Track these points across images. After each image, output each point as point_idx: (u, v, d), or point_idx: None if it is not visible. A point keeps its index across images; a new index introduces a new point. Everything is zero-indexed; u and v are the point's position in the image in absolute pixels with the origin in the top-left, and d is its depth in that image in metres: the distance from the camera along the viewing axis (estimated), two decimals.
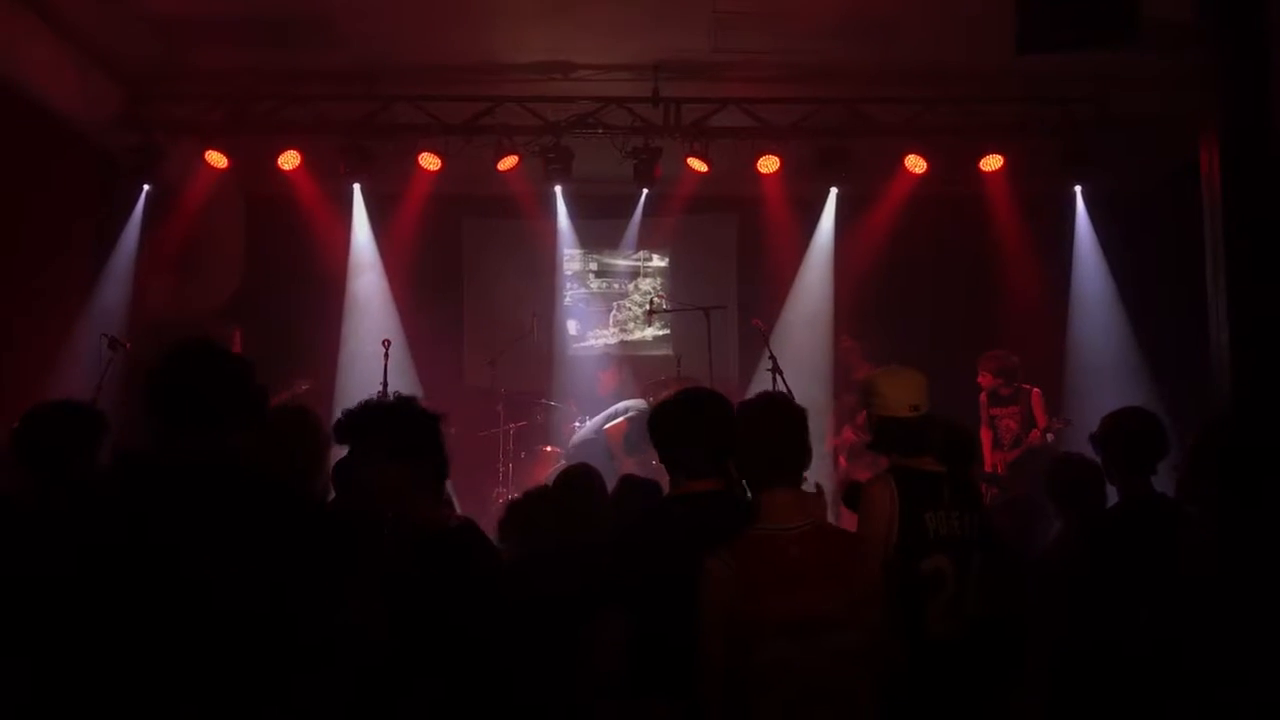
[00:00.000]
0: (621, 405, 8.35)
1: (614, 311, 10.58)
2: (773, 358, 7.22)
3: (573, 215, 9.94)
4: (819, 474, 6.62)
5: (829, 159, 8.44)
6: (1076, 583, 3.38)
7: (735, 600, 2.68)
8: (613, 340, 10.47)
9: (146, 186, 8.64)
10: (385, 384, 7.01)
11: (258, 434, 2.57)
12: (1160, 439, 3.54)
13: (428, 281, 9.85)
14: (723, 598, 2.69)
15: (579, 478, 4.19)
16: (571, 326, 10.45)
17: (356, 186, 9.22)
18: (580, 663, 2.96)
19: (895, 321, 9.13)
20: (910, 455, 3.27)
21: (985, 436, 7.82)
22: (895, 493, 3.14)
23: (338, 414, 2.86)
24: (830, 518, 4.33)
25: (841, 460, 8.63)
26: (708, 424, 3.00)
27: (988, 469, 7.61)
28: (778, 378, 7.08)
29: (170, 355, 2.52)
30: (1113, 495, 3.71)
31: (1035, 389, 7.80)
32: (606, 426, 8.17)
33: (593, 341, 10.42)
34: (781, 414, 2.95)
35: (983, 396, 7.91)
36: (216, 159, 8.49)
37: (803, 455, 2.91)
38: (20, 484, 3.32)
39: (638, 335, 10.46)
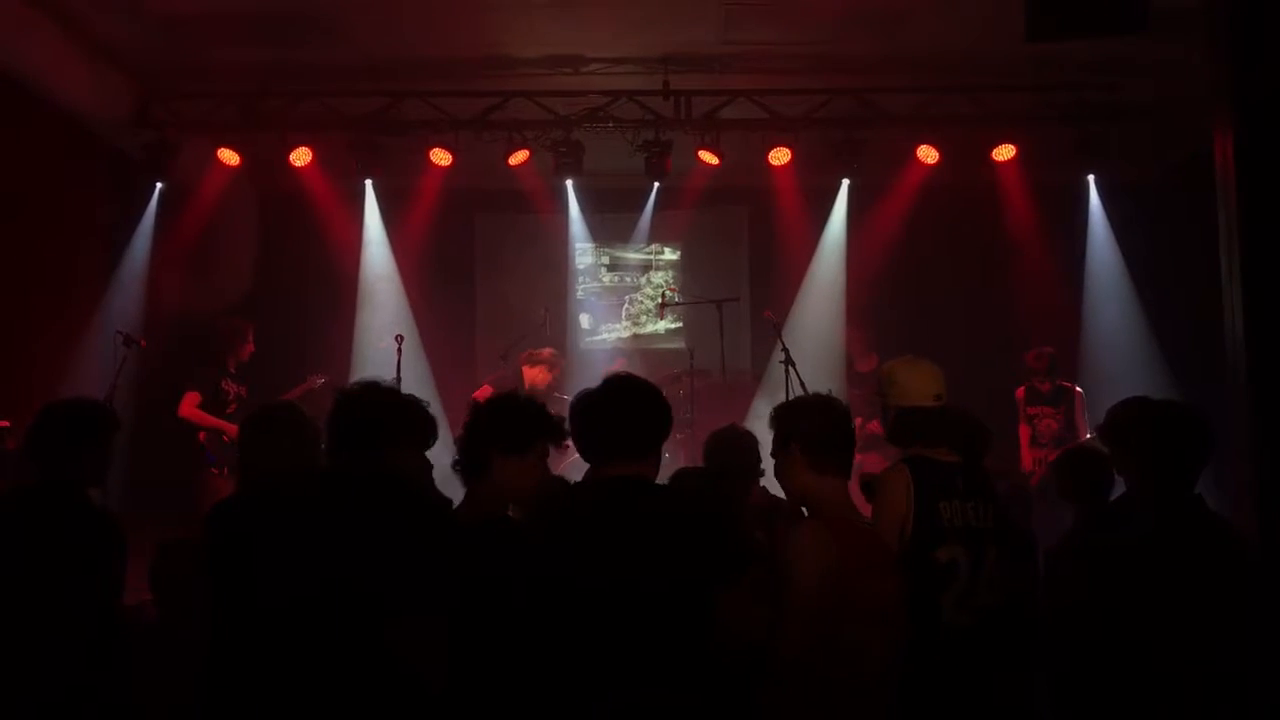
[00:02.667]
0: None
1: (626, 305, 10.58)
2: (785, 350, 7.22)
3: (584, 209, 9.95)
4: None
5: (840, 150, 8.42)
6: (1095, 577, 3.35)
7: (827, 575, 2.67)
8: (625, 334, 10.47)
9: (159, 184, 8.70)
10: (399, 379, 7.02)
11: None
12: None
13: (440, 276, 9.88)
14: (822, 565, 2.68)
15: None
16: (583, 320, 10.46)
17: (368, 182, 9.27)
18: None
19: (908, 312, 9.10)
20: (928, 445, 3.26)
21: (1024, 433, 7.76)
22: (911, 482, 3.14)
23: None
24: None
25: (856, 455, 8.58)
26: (633, 407, 2.95)
27: (1026, 467, 7.55)
28: (790, 370, 7.07)
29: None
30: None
31: (1079, 390, 7.69)
32: None
33: (605, 335, 10.43)
34: (834, 407, 3.03)
35: (1020, 393, 7.83)
36: (229, 156, 8.54)
37: (852, 445, 3.02)
38: (33, 480, 3.35)
39: (650, 329, 10.46)
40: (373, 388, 2.99)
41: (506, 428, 2.97)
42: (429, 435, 3.05)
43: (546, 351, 8.17)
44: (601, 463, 2.89)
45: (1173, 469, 3.15)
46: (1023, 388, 7.82)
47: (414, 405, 3.02)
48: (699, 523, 2.79)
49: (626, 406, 2.92)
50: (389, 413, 2.92)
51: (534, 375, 7.95)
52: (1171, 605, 2.95)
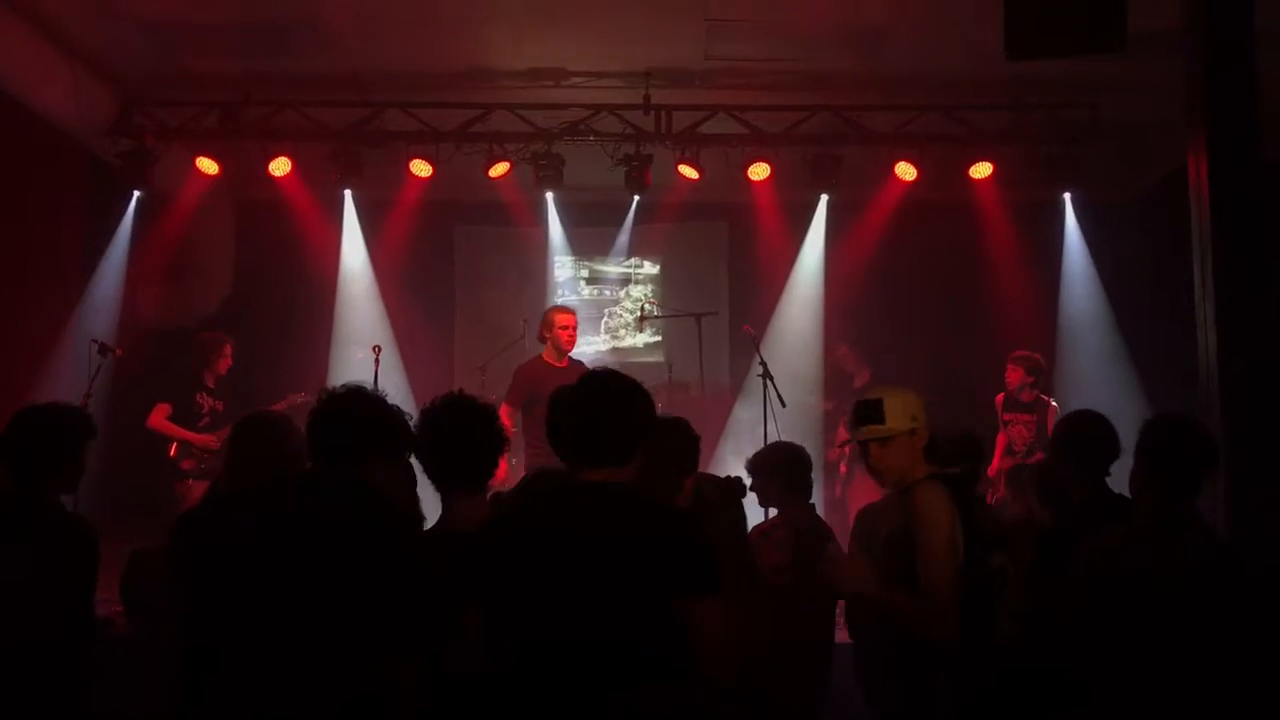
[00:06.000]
0: None
1: (605, 319, 10.58)
2: (763, 363, 7.23)
3: (564, 222, 9.96)
4: (819, 484, 6.57)
5: (820, 166, 8.46)
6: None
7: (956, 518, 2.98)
8: (604, 347, 10.46)
9: (137, 192, 8.64)
10: (376, 390, 6.97)
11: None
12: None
13: (419, 288, 9.86)
14: (953, 513, 2.99)
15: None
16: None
17: (348, 193, 9.23)
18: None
19: (885, 328, 9.14)
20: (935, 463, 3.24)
21: (1000, 441, 7.78)
22: (949, 497, 3.05)
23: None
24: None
25: (843, 468, 8.59)
26: (614, 409, 2.71)
27: (991, 474, 7.59)
28: (768, 383, 7.09)
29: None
30: None
31: (1054, 404, 7.69)
32: None
33: (584, 349, 10.40)
34: None
35: (999, 399, 7.85)
36: (208, 165, 8.47)
37: None
38: (8, 485, 3.32)
39: (629, 342, 10.46)
40: (351, 398, 2.91)
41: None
42: (405, 446, 2.97)
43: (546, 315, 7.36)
44: (575, 467, 2.70)
45: (1172, 480, 3.15)
46: (1002, 394, 7.85)
47: (391, 417, 2.93)
48: (663, 535, 2.57)
49: (602, 408, 2.70)
50: (362, 426, 2.84)
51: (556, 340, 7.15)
52: (1160, 614, 2.96)
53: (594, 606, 2.50)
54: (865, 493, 8.17)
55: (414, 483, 3.27)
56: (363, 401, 2.90)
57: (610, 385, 2.75)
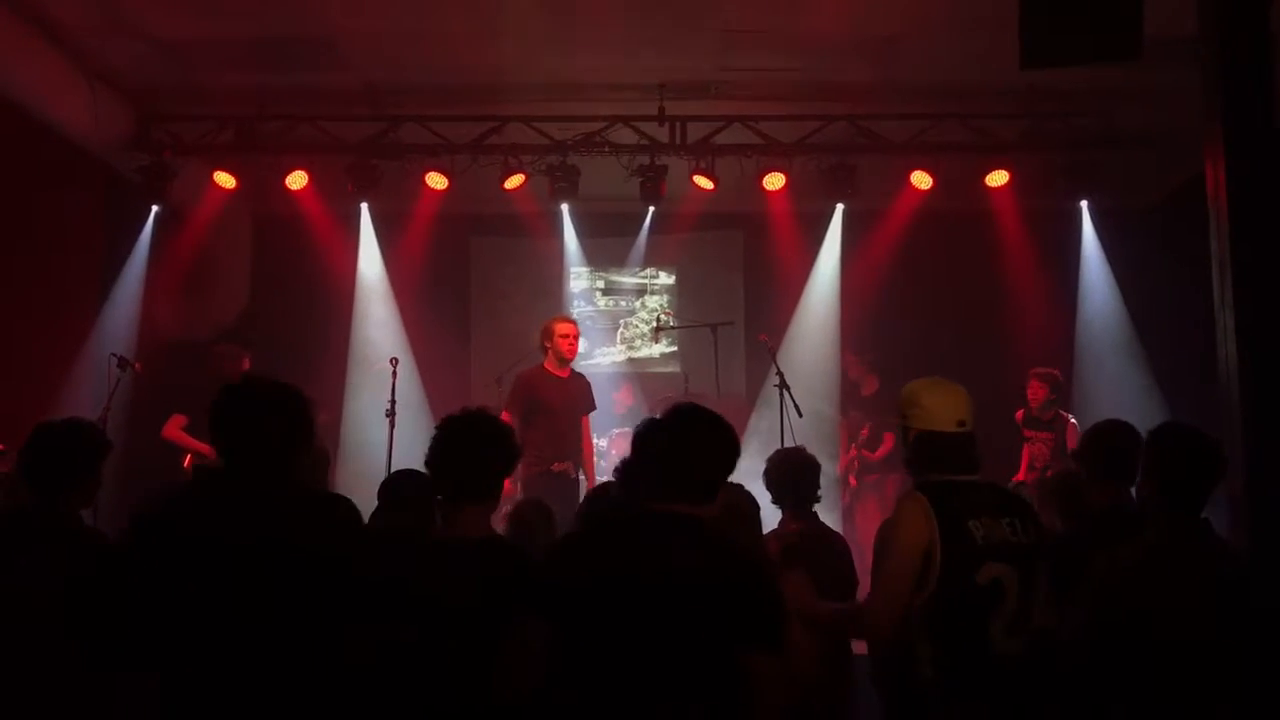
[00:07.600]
0: None
1: (621, 329, 10.59)
2: (780, 373, 7.21)
3: (579, 233, 9.97)
4: (829, 496, 6.60)
5: (835, 175, 8.45)
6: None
7: (932, 534, 2.90)
8: (620, 358, 10.47)
9: (155, 207, 8.70)
10: (393, 403, 6.99)
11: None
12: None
13: (435, 300, 9.89)
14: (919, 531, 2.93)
15: (531, 512, 4.19)
16: (579, 344, 10.44)
17: (364, 206, 9.27)
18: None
19: (902, 337, 9.11)
20: (947, 471, 3.09)
21: (1026, 453, 7.77)
22: (929, 508, 2.95)
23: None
24: None
25: (852, 480, 8.58)
26: (705, 445, 2.74)
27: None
28: (784, 393, 7.08)
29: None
30: None
31: (1073, 421, 7.66)
32: None
33: (600, 359, 10.42)
34: None
35: (1020, 415, 7.82)
36: (225, 179, 8.53)
37: None
38: (26, 501, 3.34)
39: (645, 353, 10.46)
40: (255, 389, 2.92)
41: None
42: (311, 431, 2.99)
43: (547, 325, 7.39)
44: (658, 499, 2.68)
45: (1180, 490, 3.12)
46: (1022, 410, 7.82)
47: (294, 402, 2.92)
48: (732, 580, 2.56)
49: (703, 446, 2.71)
50: (276, 419, 2.84)
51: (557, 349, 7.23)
52: (1169, 629, 2.94)
53: (655, 641, 2.50)
54: (871, 506, 8.18)
55: (327, 464, 3.29)
56: (271, 391, 2.91)
57: (706, 420, 2.77)
